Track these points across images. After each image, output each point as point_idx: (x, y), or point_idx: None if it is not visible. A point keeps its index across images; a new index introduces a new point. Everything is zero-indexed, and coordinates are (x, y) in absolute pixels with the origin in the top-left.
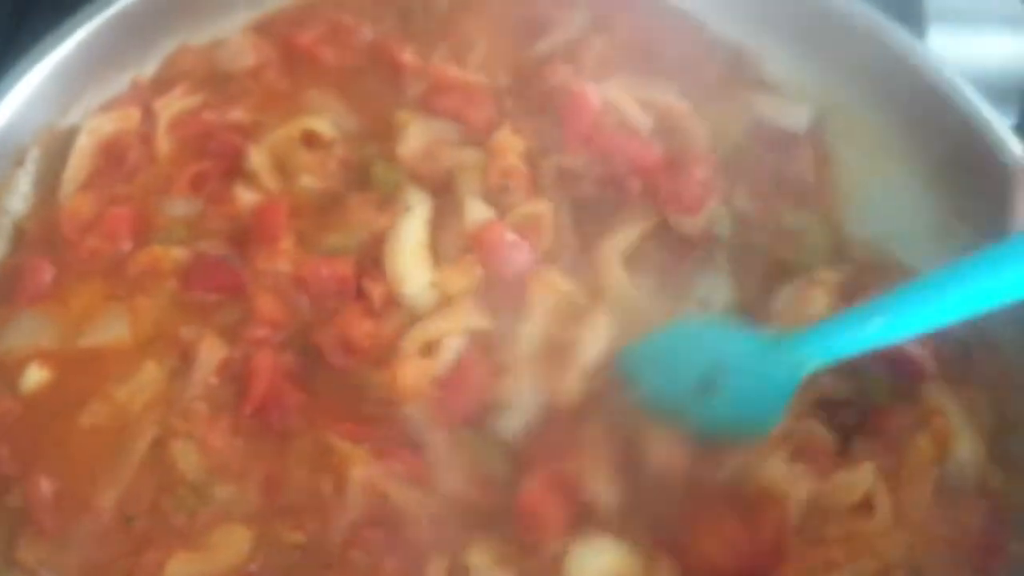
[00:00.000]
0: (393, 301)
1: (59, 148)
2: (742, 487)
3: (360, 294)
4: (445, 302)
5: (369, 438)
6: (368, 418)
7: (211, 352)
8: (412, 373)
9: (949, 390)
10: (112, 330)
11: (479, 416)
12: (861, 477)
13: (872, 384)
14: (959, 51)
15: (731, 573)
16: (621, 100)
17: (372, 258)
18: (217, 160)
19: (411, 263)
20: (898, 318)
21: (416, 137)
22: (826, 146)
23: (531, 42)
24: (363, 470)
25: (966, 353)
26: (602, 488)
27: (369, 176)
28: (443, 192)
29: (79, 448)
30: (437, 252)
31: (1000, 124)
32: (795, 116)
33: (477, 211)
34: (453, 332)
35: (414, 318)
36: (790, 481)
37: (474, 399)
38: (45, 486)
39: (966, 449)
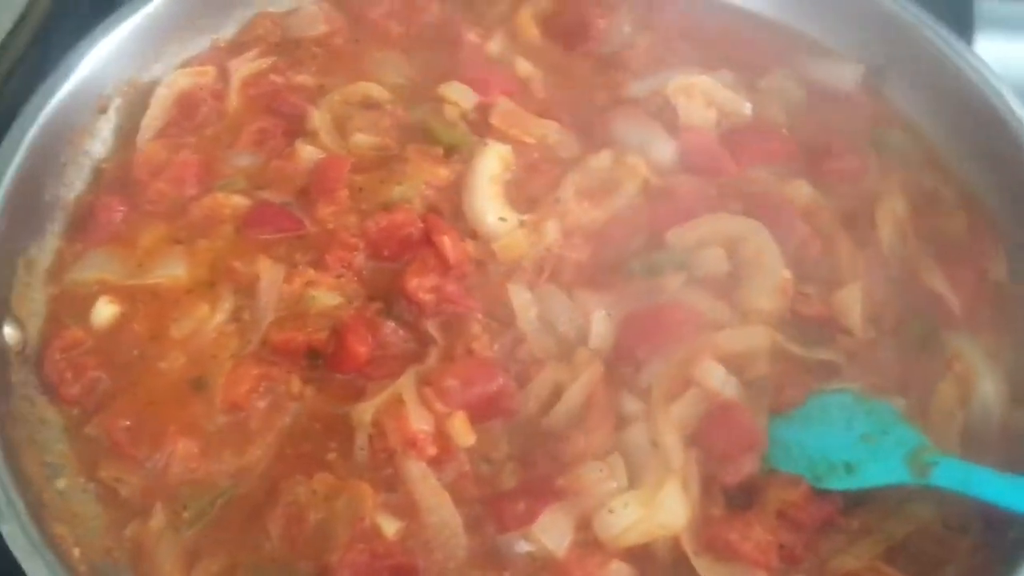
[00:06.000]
0: (465, 252)
1: (139, 99)
2: None
3: (428, 243)
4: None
5: None
6: None
7: (272, 276)
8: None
9: (971, 337)
10: (171, 270)
11: None
12: None
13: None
14: (1006, 59)
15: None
16: (715, 91)
17: (438, 209)
18: (280, 118)
19: (488, 197)
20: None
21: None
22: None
23: (579, 42)
24: None
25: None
26: None
27: (423, 133)
28: None
29: (150, 386)
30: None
31: None
32: (846, 75)
33: None
34: None
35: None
36: None
37: None
38: (121, 421)
39: (989, 391)
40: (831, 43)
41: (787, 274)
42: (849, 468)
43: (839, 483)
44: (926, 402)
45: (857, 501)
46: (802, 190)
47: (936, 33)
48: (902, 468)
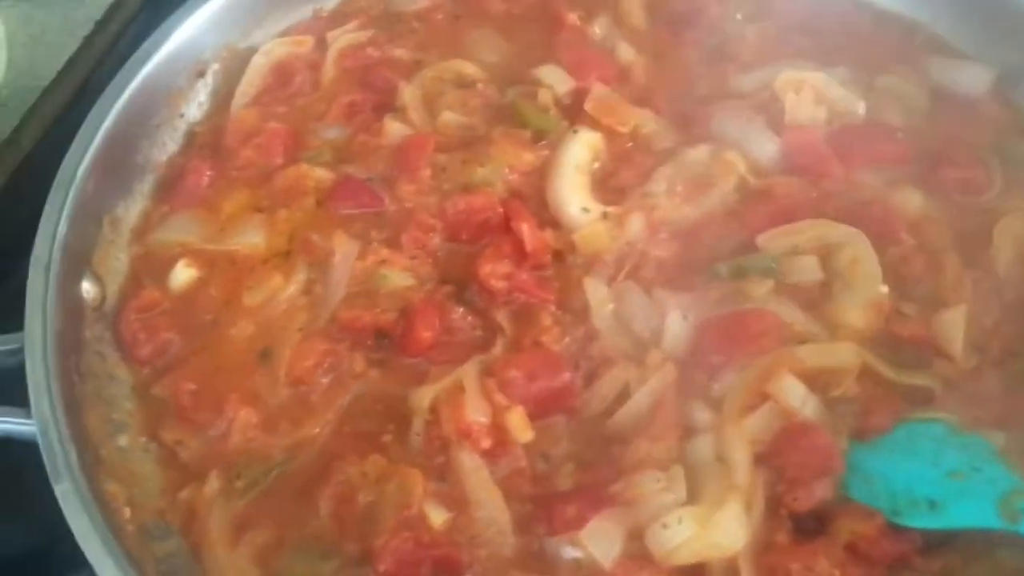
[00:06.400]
0: (543, 241)
1: (237, 65)
2: None
3: (507, 229)
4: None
5: None
6: None
7: (346, 251)
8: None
9: None
10: (251, 237)
11: None
12: None
13: None
14: None
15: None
16: (827, 88)
17: (520, 195)
18: (372, 92)
19: (573, 186)
20: None
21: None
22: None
23: (687, 29)
24: None
25: None
26: None
27: (512, 115)
28: None
29: (219, 352)
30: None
31: None
32: (974, 78)
33: None
34: None
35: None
36: None
37: None
38: (188, 384)
39: None
40: (960, 43)
41: (884, 289)
42: (933, 505)
43: (920, 520)
44: None
45: (938, 541)
46: (912, 200)
47: None
48: (992, 511)
